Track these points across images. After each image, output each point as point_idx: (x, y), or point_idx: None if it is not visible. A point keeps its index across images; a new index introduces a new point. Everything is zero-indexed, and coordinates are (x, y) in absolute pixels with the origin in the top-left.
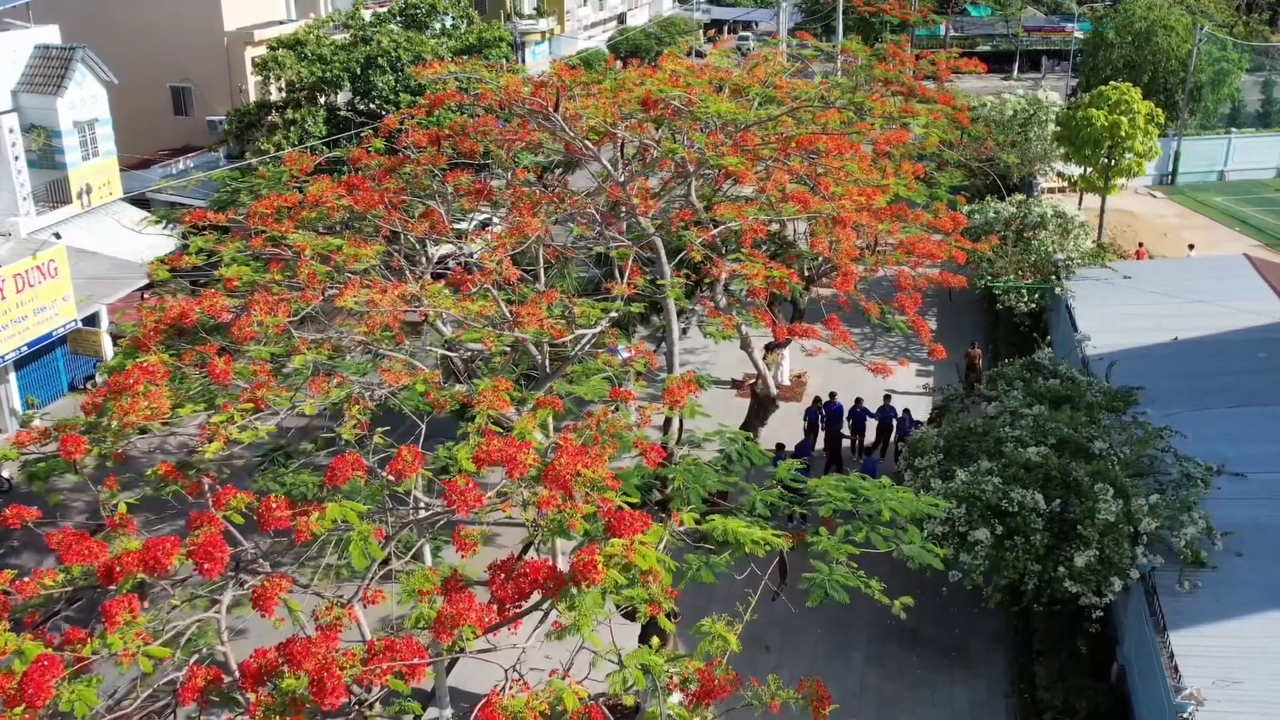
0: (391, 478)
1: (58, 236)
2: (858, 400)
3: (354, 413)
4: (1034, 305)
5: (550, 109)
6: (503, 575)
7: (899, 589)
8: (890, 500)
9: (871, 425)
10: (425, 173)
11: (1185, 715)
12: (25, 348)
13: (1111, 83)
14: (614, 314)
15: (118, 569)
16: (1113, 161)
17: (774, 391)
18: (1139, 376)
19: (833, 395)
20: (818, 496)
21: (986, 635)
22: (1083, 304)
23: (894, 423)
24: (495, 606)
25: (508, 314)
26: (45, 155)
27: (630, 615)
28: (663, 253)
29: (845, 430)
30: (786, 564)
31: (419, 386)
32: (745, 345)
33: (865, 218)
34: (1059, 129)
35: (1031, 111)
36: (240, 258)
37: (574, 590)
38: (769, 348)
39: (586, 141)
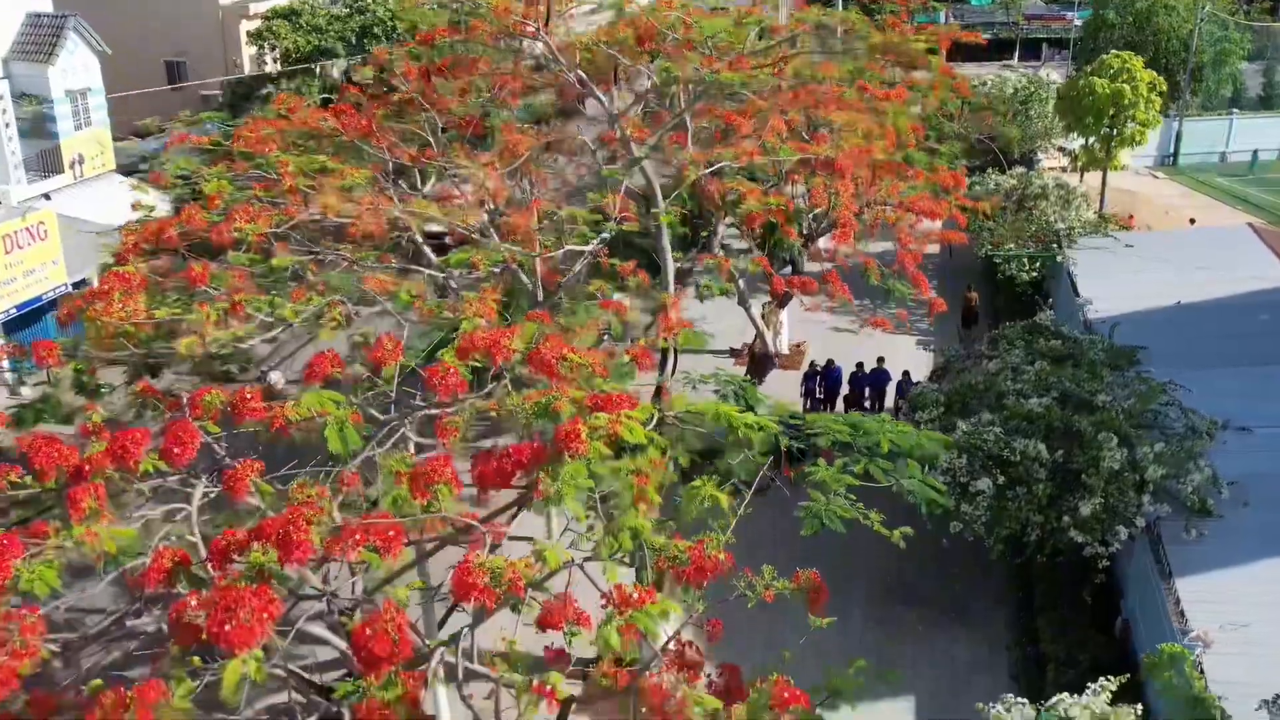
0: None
1: (47, 198)
2: (858, 365)
3: (334, 314)
4: (1035, 274)
5: (541, 26)
6: (486, 457)
7: (898, 549)
8: (890, 433)
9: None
10: (415, 106)
11: (1193, 657)
12: (14, 310)
13: (1114, 51)
14: (606, 235)
15: (87, 467)
16: (1115, 131)
17: (772, 349)
18: (1142, 339)
19: (830, 361)
20: (815, 430)
21: (987, 594)
22: (1084, 271)
23: (893, 385)
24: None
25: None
26: (37, 124)
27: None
28: (655, 181)
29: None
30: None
31: (403, 296)
32: (743, 301)
33: (865, 172)
34: (1061, 100)
35: (1032, 90)
36: (222, 175)
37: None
38: (767, 307)
39: (579, 73)
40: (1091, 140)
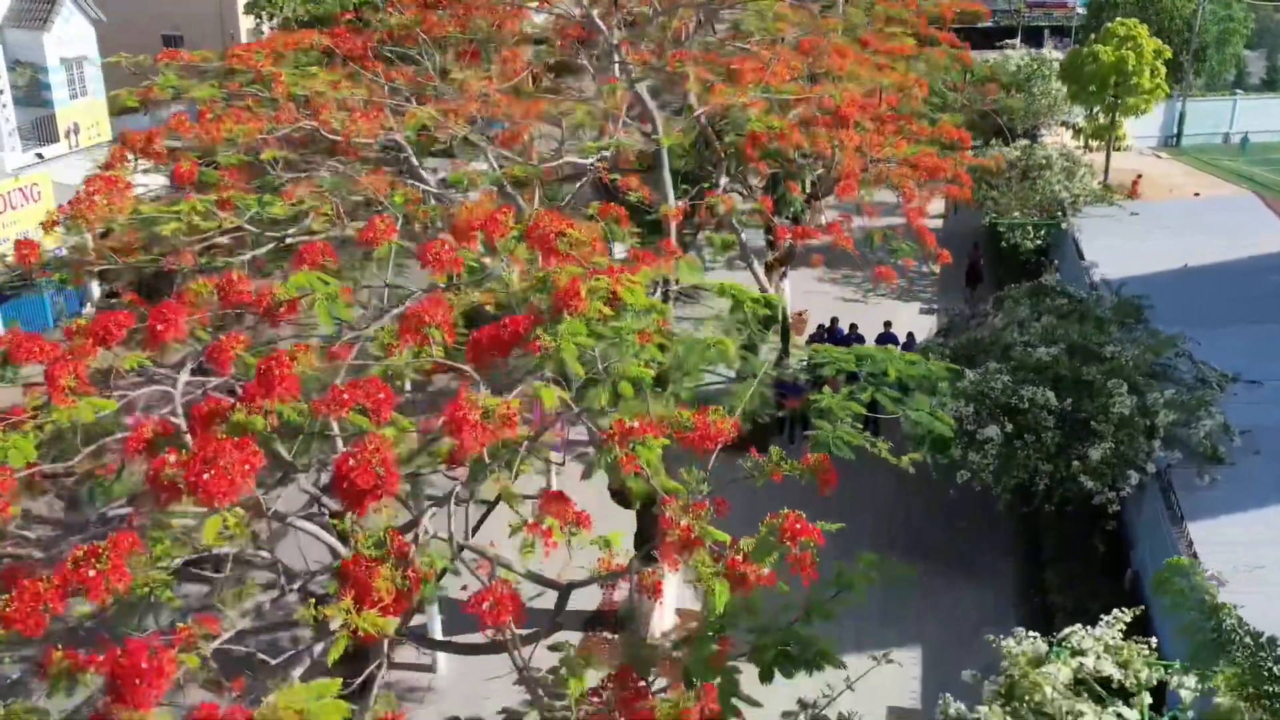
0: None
1: (40, 158)
2: (851, 326)
3: (324, 209)
4: (1039, 242)
5: None
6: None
7: (905, 497)
8: (897, 363)
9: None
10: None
11: (1207, 596)
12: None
13: (1119, 19)
14: (606, 152)
15: (70, 356)
16: (1118, 100)
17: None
18: (1149, 300)
19: (834, 320)
20: (821, 360)
21: (995, 547)
22: (1089, 237)
23: (898, 348)
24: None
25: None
26: (32, 92)
27: (621, 498)
28: (652, 104)
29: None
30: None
31: (398, 198)
32: (745, 256)
33: (869, 124)
34: (1065, 70)
35: (1035, 66)
36: (213, 87)
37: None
38: (770, 267)
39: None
40: (1095, 110)
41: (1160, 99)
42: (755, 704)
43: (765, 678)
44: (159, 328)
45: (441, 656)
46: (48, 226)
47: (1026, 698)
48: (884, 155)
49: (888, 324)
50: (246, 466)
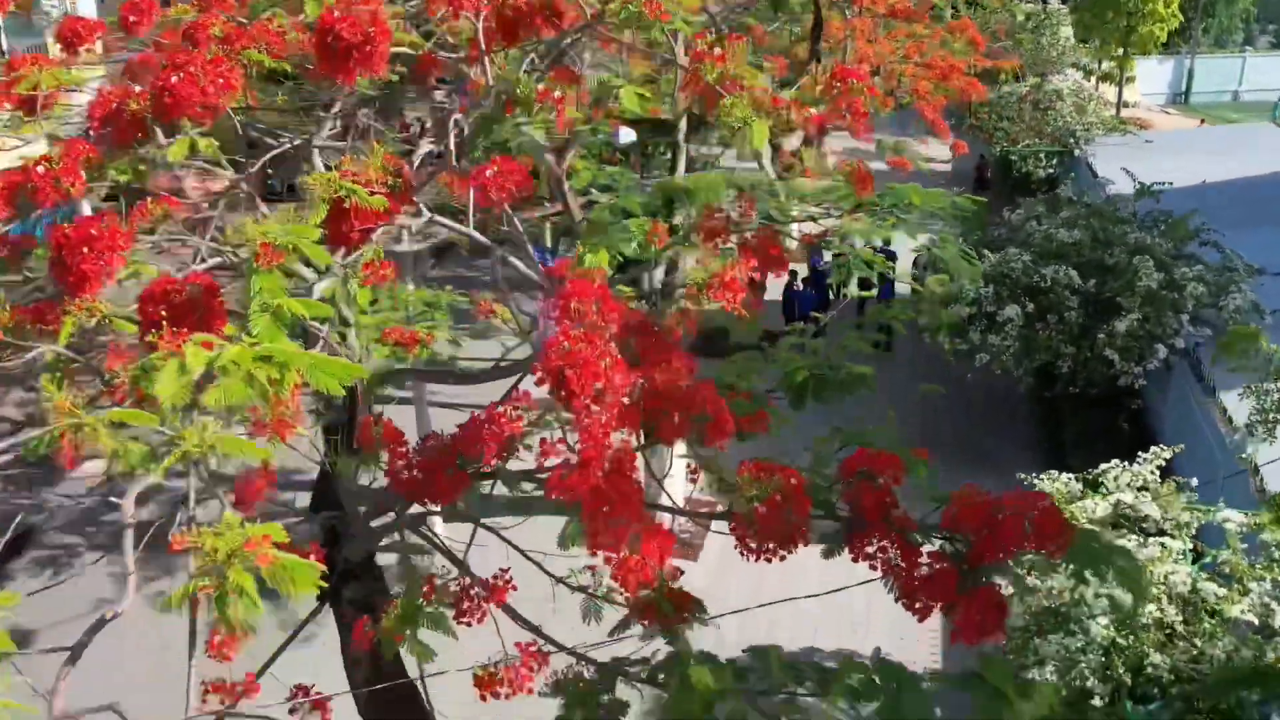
0: None
1: None
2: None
3: None
4: (1051, 170)
5: None
6: None
7: (919, 398)
8: (919, 193)
9: None
10: None
11: (1245, 455)
12: None
13: None
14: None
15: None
16: (1134, 30)
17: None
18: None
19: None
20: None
21: (1015, 440)
22: (1103, 162)
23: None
24: None
25: None
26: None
27: None
28: None
29: None
30: None
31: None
32: (757, 156)
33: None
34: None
35: (1044, 16)
36: None
37: None
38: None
39: None
40: (1107, 43)
41: (1174, 25)
42: None
43: (797, 404)
44: (132, 20)
45: None
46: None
47: None
48: (895, 60)
49: (888, 240)
50: (221, 81)
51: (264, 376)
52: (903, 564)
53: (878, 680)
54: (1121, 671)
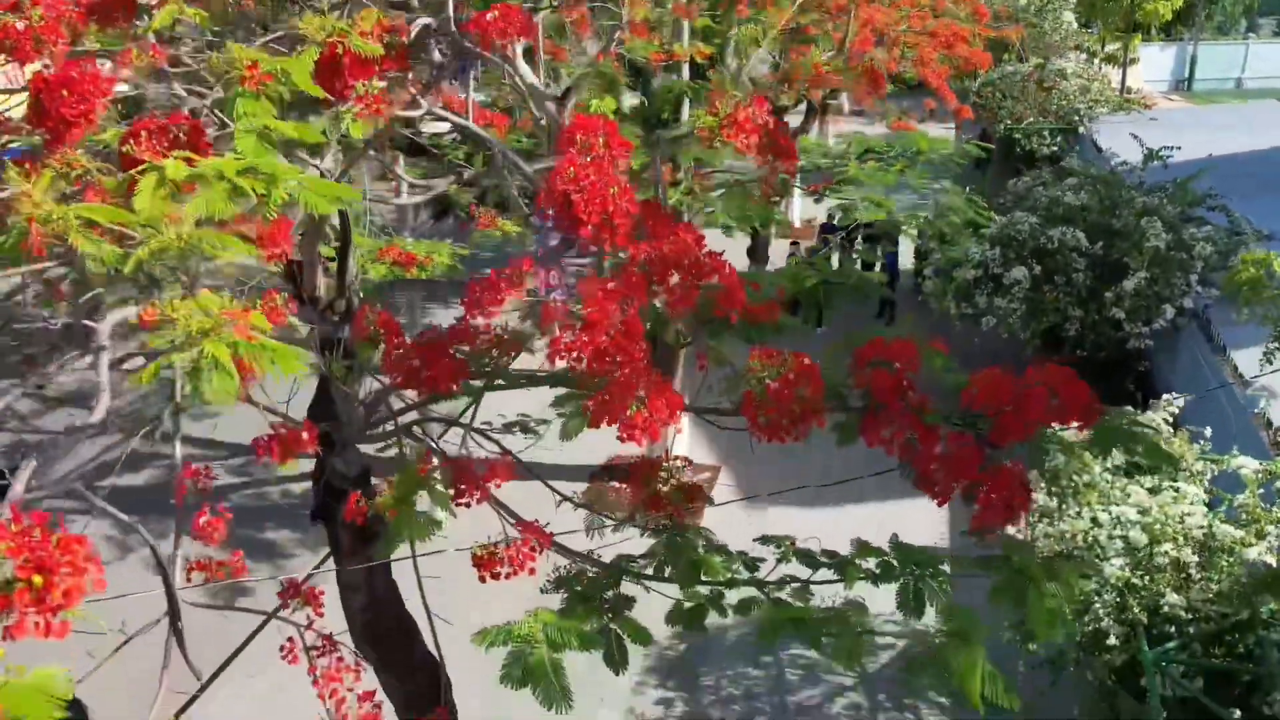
0: None
1: None
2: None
3: None
4: (1055, 148)
5: None
6: None
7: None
8: (926, 140)
9: None
10: None
11: (1257, 410)
12: None
13: None
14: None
15: None
16: (1136, 8)
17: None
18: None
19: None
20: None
21: None
22: (1108, 138)
23: None
24: None
25: None
26: None
27: None
28: None
29: None
30: None
31: None
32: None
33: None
34: None
35: (1046, 0)
36: None
37: None
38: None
39: None
40: (1111, 22)
41: (1178, 4)
42: None
43: (815, 320)
44: None
45: None
46: None
47: (1075, 478)
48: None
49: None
50: None
51: (249, 186)
52: (920, 445)
53: (895, 563)
54: (1137, 611)
